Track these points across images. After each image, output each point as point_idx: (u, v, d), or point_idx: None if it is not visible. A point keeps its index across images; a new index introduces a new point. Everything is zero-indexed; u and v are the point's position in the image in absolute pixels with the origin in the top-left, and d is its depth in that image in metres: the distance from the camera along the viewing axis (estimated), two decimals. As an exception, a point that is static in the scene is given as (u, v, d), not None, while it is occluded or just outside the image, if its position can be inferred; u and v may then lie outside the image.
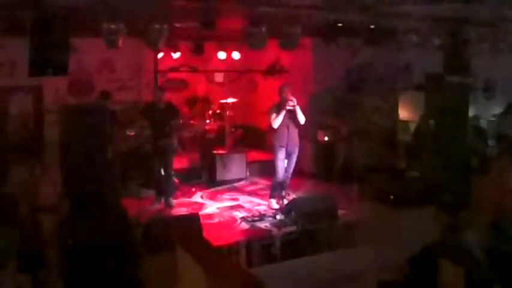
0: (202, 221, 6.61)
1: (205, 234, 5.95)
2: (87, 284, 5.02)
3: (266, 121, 8.07)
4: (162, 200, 7.90)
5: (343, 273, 5.57)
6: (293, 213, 7.21)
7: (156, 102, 7.95)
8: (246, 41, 6.70)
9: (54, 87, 8.73)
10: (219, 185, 9.17)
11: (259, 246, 6.53)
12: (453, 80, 7.85)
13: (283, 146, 7.71)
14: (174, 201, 7.99)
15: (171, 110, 7.98)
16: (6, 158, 7.42)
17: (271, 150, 8.13)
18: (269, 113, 7.73)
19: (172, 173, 8.16)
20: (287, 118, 7.65)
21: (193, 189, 8.93)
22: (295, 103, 7.62)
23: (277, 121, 7.61)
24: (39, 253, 5.58)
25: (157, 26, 5.99)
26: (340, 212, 7.44)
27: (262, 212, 7.64)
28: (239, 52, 10.45)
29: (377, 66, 10.10)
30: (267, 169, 8.94)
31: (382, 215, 6.94)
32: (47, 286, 5.27)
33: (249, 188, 9.15)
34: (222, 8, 5.93)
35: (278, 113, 7.61)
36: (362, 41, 7.78)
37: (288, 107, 7.54)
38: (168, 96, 8.25)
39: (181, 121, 8.87)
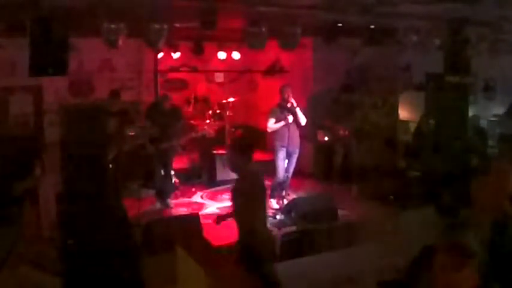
0: (202, 221, 6.60)
1: (205, 234, 5.95)
2: (87, 284, 5.02)
3: (266, 121, 8.09)
4: (160, 200, 7.90)
5: (343, 273, 5.56)
6: (293, 213, 7.20)
7: (161, 104, 7.96)
8: (246, 41, 6.69)
9: (54, 87, 8.73)
10: (219, 185, 9.18)
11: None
12: (453, 80, 7.84)
13: (284, 146, 7.72)
14: (171, 202, 7.99)
15: (176, 113, 7.99)
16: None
17: (271, 150, 8.13)
18: (269, 115, 7.73)
19: (172, 173, 8.16)
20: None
21: (193, 189, 8.93)
22: (295, 104, 7.65)
23: (273, 128, 7.67)
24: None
25: (157, 26, 5.97)
26: (340, 212, 7.44)
27: (262, 212, 7.64)
28: (239, 52, 10.46)
29: (377, 66, 10.09)
30: (267, 169, 8.94)
31: (382, 215, 6.94)
32: None
33: (249, 188, 9.14)
34: (222, 8, 5.91)
35: (277, 120, 7.65)
36: (362, 41, 7.78)
37: (286, 119, 7.60)
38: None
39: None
